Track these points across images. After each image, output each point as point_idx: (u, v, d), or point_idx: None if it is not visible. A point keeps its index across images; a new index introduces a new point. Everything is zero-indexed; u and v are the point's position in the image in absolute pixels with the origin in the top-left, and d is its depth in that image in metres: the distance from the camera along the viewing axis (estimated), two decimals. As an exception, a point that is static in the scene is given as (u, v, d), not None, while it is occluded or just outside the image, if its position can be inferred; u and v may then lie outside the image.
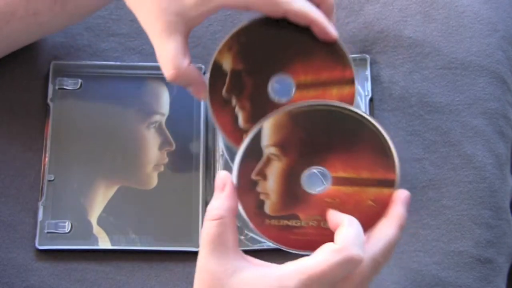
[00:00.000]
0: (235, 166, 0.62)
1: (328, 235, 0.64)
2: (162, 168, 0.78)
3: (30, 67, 0.80)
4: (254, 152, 0.62)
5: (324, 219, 0.65)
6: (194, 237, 0.76)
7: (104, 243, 0.76)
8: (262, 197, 0.64)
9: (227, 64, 0.69)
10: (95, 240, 0.76)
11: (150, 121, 0.79)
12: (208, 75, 0.69)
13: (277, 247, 0.66)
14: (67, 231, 0.76)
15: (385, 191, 0.64)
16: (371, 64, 0.81)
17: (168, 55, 0.68)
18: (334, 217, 0.63)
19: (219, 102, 0.69)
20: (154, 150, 0.79)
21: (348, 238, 0.59)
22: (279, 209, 0.64)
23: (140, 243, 0.76)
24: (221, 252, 0.61)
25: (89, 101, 0.80)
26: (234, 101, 0.69)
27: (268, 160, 0.63)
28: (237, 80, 0.69)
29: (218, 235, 0.61)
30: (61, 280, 0.75)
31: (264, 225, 0.64)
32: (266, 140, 0.62)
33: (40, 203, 0.77)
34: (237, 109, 0.69)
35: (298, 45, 0.69)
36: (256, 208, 0.64)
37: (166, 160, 0.78)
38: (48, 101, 0.80)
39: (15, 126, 0.79)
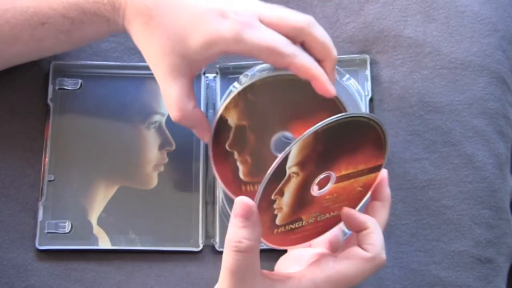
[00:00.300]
0: (260, 190, 0.61)
1: (323, 226, 0.67)
2: (162, 168, 0.78)
3: (30, 67, 0.80)
4: (278, 175, 0.62)
5: (321, 213, 0.66)
6: (194, 237, 0.76)
7: (104, 243, 0.76)
8: (276, 212, 0.63)
9: (232, 120, 0.71)
10: (95, 240, 0.76)
11: (150, 121, 0.79)
12: (212, 128, 0.72)
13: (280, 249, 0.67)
14: (67, 231, 0.76)
15: (373, 175, 0.66)
16: (371, 64, 0.81)
17: (173, 97, 0.69)
18: (355, 219, 0.65)
19: (221, 154, 0.71)
20: (154, 150, 0.79)
21: (377, 245, 0.63)
22: (288, 218, 0.64)
23: (140, 243, 0.76)
24: (251, 279, 0.62)
25: (89, 101, 0.80)
26: (236, 154, 0.71)
27: (288, 179, 0.63)
28: (241, 135, 0.71)
29: (249, 264, 0.61)
30: (61, 280, 0.75)
31: (272, 235, 0.64)
32: (291, 162, 0.62)
33: (40, 203, 0.77)
34: (238, 163, 0.72)
35: (302, 105, 0.70)
36: (269, 222, 0.64)
37: (166, 160, 0.78)
38: (48, 101, 0.80)
39: (15, 126, 0.79)
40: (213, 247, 0.76)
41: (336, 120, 0.61)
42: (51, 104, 0.80)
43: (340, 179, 0.64)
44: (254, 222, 0.61)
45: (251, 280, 0.62)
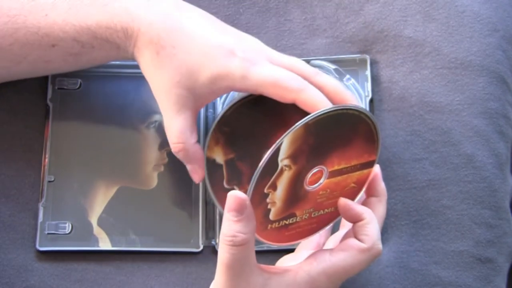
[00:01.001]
0: (252, 184, 0.62)
1: (317, 223, 0.67)
2: (162, 168, 0.78)
3: (29, 67, 0.80)
4: (270, 167, 0.62)
5: (315, 209, 0.66)
6: (194, 238, 0.76)
7: (105, 244, 0.76)
8: (269, 206, 0.64)
9: (219, 157, 0.71)
10: (96, 241, 0.76)
11: (150, 121, 0.79)
12: (205, 173, 0.71)
13: (275, 247, 0.66)
14: (67, 232, 0.76)
15: (365, 171, 0.67)
16: (371, 64, 0.81)
17: (177, 129, 0.70)
18: (351, 210, 0.66)
19: (222, 193, 0.70)
20: (154, 150, 0.79)
21: (373, 235, 0.64)
22: (281, 213, 0.64)
23: (140, 244, 0.76)
24: (248, 273, 0.62)
25: (89, 101, 0.80)
26: (236, 189, 0.69)
27: (281, 172, 0.63)
28: (233, 169, 0.70)
29: (245, 258, 0.62)
30: (62, 281, 0.75)
31: (266, 230, 0.64)
32: (283, 154, 0.62)
33: (40, 204, 0.77)
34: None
35: (281, 118, 0.69)
36: (262, 217, 0.64)
37: (166, 160, 0.78)
38: (48, 101, 0.80)
39: (15, 127, 0.79)
40: (213, 247, 0.76)
41: (327, 112, 0.62)
42: (50, 104, 0.80)
43: (333, 174, 0.65)
44: (247, 216, 0.61)
45: (247, 274, 0.62)
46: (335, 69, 0.80)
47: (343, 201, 0.66)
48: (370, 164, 0.67)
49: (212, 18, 0.72)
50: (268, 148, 0.64)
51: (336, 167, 0.65)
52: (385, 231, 0.76)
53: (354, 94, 0.79)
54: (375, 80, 0.81)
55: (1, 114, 0.79)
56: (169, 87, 0.69)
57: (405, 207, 0.77)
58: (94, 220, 0.76)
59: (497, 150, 0.80)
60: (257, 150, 0.68)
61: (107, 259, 0.76)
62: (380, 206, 0.68)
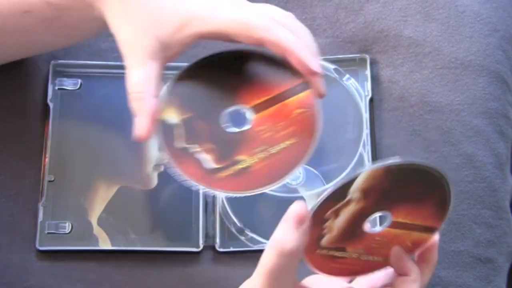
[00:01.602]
0: (316, 204, 0.60)
1: (363, 266, 0.65)
2: (162, 168, 0.78)
3: (30, 67, 0.80)
4: (340, 194, 0.61)
5: (366, 252, 0.64)
6: (194, 238, 0.76)
7: (104, 244, 0.76)
8: (325, 231, 0.62)
9: (174, 117, 0.68)
10: (96, 240, 0.76)
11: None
12: (159, 136, 0.67)
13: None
14: (67, 232, 0.76)
15: (426, 236, 0.65)
16: (371, 64, 0.81)
17: (140, 77, 0.66)
18: (403, 261, 0.63)
19: (180, 153, 0.67)
20: (154, 150, 0.79)
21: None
22: (334, 243, 0.63)
23: (140, 244, 0.76)
24: (286, 285, 0.60)
25: (89, 101, 0.80)
26: (196, 147, 0.67)
27: (348, 203, 0.61)
28: (191, 128, 0.68)
29: (288, 269, 0.60)
30: (62, 280, 0.75)
31: (313, 254, 0.63)
32: (356, 186, 0.61)
33: (40, 204, 0.77)
34: (203, 154, 0.67)
35: (240, 78, 0.69)
36: (315, 239, 0.62)
37: (166, 160, 0.78)
38: (48, 101, 0.80)
39: (15, 127, 0.79)
40: (213, 247, 0.76)
41: (410, 164, 0.60)
42: (50, 104, 0.80)
43: (395, 225, 0.63)
44: (304, 230, 0.59)
45: (286, 283, 0.60)
46: (335, 69, 0.80)
47: (399, 250, 0.64)
48: (432, 230, 0.65)
49: None
50: (229, 107, 0.68)
51: (400, 220, 0.64)
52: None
53: (354, 94, 0.79)
54: (375, 80, 0.81)
55: (1, 114, 0.79)
56: (136, 37, 0.66)
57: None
58: (94, 220, 0.76)
59: (497, 150, 0.80)
60: (216, 108, 0.68)
61: (107, 258, 0.76)
62: (428, 273, 0.65)
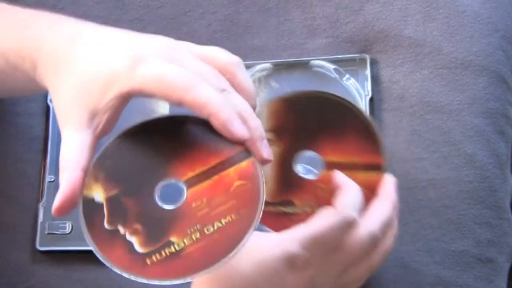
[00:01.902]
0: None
1: None
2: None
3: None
4: None
5: (318, 204, 0.65)
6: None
7: (105, 244, 0.75)
8: None
9: (98, 195, 0.61)
10: (96, 241, 0.75)
11: (150, 120, 0.79)
12: (80, 216, 0.61)
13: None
14: (67, 232, 0.76)
15: (373, 175, 0.66)
16: (371, 64, 0.81)
17: (65, 148, 0.61)
18: (338, 179, 0.65)
19: (103, 237, 0.60)
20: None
21: (347, 202, 0.63)
22: (275, 195, 0.63)
23: (141, 244, 0.75)
24: None
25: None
26: (121, 230, 0.60)
27: None
28: (117, 206, 0.61)
29: None
30: (62, 281, 0.75)
31: (265, 213, 0.62)
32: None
33: (40, 204, 0.77)
34: (128, 236, 0.61)
35: (171, 146, 0.63)
36: None
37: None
38: (49, 101, 0.80)
39: (15, 127, 0.79)
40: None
41: (308, 92, 0.61)
42: (51, 104, 0.79)
43: (330, 166, 0.64)
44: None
45: None
46: (334, 69, 0.80)
47: (335, 172, 0.65)
48: (377, 167, 0.66)
49: (125, 31, 0.65)
50: (161, 181, 0.61)
51: (332, 159, 0.64)
52: (388, 231, 0.76)
53: (354, 94, 0.79)
54: (375, 80, 0.81)
55: (1, 114, 0.79)
56: (66, 109, 0.62)
57: (406, 207, 0.77)
58: (94, 220, 0.76)
59: (497, 150, 0.80)
60: (146, 183, 0.62)
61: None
62: (381, 205, 0.67)
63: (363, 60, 0.81)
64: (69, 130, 0.61)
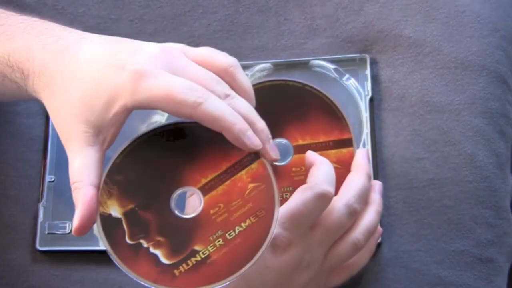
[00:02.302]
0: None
1: None
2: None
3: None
4: None
5: (296, 188, 0.64)
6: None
7: (105, 244, 0.75)
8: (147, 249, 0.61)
9: (115, 210, 0.61)
10: (96, 240, 0.75)
11: (149, 121, 0.79)
12: (101, 233, 0.60)
13: None
14: (67, 232, 0.76)
15: (344, 151, 0.66)
16: (371, 63, 0.81)
17: (74, 167, 0.61)
18: (309, 158, 0.65)
19: (128, 253, 0.60)
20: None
21: (317, 176, 0.62)
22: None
23: (141, 244, 0.76)
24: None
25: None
26: (144, 243, 0.60)
27: None
28: (136, 220, 0.61)
29: None
30: (62, 280, 0.75)
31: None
32: None
33: (40, 204, 0.77)
34: (152, 249, 0.60)
35: (189, 152, 0.63)
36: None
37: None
38: (48, 101, 0.80)
39: (15, 127, 0.79)
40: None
41: (268, 81, 0.63)
42: (51, 105, 0.79)
43: (300, 149, 0.64)
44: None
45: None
46: (334, 69, 0.80)
47: (308, 152, 0.65)
48: (347, 143, 0.66)
49: (111, 39, 0.64)
50: (175, 191, 0.61)
51: (301, 143, 0.64)
52: (386, 230, 0.76)
53: (354, 94, 0.79)
54: (375, 80, 0.81)
55: (1, 114, 0.79)
56: (68, 126, 0.61)
57: (406, 207, 0.77)
58: (94, 220, 0.76)
59: (497, 150, 0.80)
60: (161, 194, 0.61)
61: (107, 259, 0.75)
62: (355, 176, 0.66)
63: (363, 60, 0.81)
64: (75, 148, 0.61)
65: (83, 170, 0.60)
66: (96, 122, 0.61)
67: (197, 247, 0.60)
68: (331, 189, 0.62)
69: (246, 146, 0.60)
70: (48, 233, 0.76)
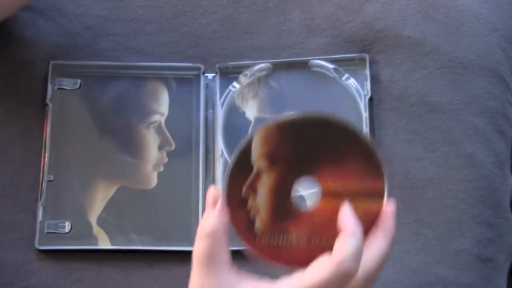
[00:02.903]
0: (224, 181, 0.60)
1: (320, 252, 0.61)
2: (162, 168, 0.78)
3: (29, 67, 0.80)
4: (244, 166, 0.59)
5: (315, 236, 0.62)
6: (193, 237, 0.75)
7: (104, 243, 0.76)
8: (252, 213, 0.61)
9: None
10: (95, 240, 0.76)
11: (149, 121, 0.79)
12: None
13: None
14: (66, 231, 0.76)
15: (374, 204, 0.62)
16: (370, 63, 0.81)
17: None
18: (343, 218, 0.60)
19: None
20: (153, 150, 0.79)
21: (346, 251, 0.58)
22: (269, 226, 0.61)
23: (140, 243, 0.76)
24: (215, 268, 0.59)
25: (89, 101, 0.80)
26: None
27: (258, 174, 0.60)
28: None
29: (212, 251, 0.59)
30: (61, 280, 0.75)
31: (256, 244, 0.62)
32: (256, 153, 0.59)
33: (39, 204, 0.77)
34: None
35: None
36: (247, 225, 0.61)
37: (166, 160, 0.78)
38: (47, 101, 0.80)
39: (15, 126, 0.79)
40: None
41: (303, 117, 0.59)
42: (50, 104, 0.80)
43: (329, 194, 0.61)
44: (218, 209, 0.59)
45: (216, 270, 0.59)
46: (334, 69, 0.80)
47: (345, 205, 0.61)
48: (378, 194, 0.62)
49: None
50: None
51: (331, 186, 0.61)
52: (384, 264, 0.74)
53: (353, 93, 0.79)
54: (375, 79, 0.81)
55: (1, 114, 0.79)
56: None
57: (406, 206, 0.77)
58: (93, 220, 0.76)
59: (497, 149, 0.80)
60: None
61: (106, 258, 0.76)
62: (381, 241, 0.61)
63: (362, 60, 0.81)
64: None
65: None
66: None
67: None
68: (358, 266, 0.58)
69: None
70: (47, 233, 0.76)
